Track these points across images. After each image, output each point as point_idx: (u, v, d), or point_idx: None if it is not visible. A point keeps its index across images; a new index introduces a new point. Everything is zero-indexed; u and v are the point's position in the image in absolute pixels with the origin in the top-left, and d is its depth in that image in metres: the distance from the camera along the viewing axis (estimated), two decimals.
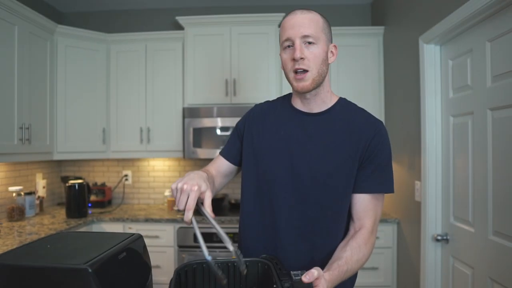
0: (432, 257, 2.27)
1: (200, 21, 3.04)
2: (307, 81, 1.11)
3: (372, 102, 3.04)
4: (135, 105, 3.15)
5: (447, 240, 2.17)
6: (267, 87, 3.00)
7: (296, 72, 1.11)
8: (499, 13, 1.68)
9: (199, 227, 0.87)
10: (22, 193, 2.75)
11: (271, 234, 1.16)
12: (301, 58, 1.09)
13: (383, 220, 2.77)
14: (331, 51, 1.17)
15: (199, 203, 0.92)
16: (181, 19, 3.04)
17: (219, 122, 2.97)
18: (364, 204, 1.14)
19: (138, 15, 3.51)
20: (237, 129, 1.33)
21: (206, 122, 2.98)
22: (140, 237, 0.94)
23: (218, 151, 2.93)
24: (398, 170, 2.77)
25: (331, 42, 1.18)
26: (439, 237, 2.18)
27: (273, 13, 3.01)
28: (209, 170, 1.24)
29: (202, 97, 3.05)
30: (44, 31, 2.77)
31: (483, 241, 1.82)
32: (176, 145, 3.12)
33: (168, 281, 2.71)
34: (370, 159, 1.13)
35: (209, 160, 3.18)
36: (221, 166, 1.30)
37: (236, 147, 1.30)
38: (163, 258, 2.80)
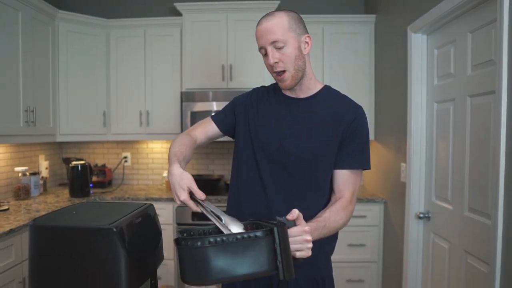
0: (414, 233, 2.44)
1: (197, 8, 3.13)
2: (287, 80, 1.26)
3: (362, 88, 3.17)
4: (135, 89, 3.25)
5: (428, 218, 2.34)
6: (262, 72, 3.10)
7: (276, 73, 1.26)
8: (480, 6, 1.81)
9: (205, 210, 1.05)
10: (28, 173, 2.87)
11: (262, 201, 1.31)
12: (276, 63, 1.23)
13: (371, 200, 2.94)
14: (305, 42, 1.27)
15: (194, 197, 1.10)
16: (179, 6, 3.13)
17: (215, 106, 3.09)
18: (344, 179, 1.30)
19: (137, 1, 3.58)
20: (234, 104, 1.47)
21: (203, 106, 3.10)
22: (151, 205, 1.08)
23: None
24: (385, 153, 2.93)
25: (305, 33, 1.28)
26: (421, 215, 2.35)
27: (268, 0, 3.10)
28: (195, 133, 1.41)
29: (200, 82, 3.16)
30: (46, 17, 2.84)
31: (459, 217, 1.99)
32: (174, 128, 3.24)
33: (168, 257, 2.85)
34: (350, 139, 1.28)
35: None
36: (210, 130, 1.45)
37: (229, 118, 1.44)
38: (164, 236, 2.94)
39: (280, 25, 1.22)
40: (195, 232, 1.04)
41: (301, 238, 0.97)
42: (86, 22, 3.12)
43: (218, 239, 0.87)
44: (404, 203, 2.52)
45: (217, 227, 1.04)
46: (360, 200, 2.93)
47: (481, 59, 1.81)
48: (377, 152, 3.10)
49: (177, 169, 1.13)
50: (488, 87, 1.72)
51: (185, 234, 0.99)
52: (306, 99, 1.34)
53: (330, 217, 1.19)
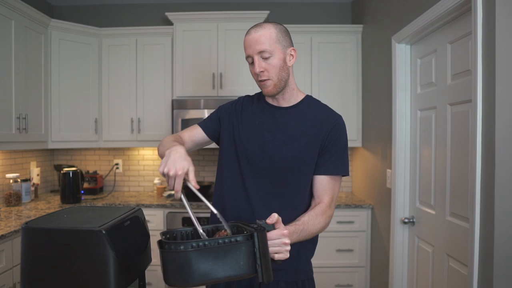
0: (400, 238, 2.50)
1: (188, 17, 3.19)
2: (269, 87, 1.33)
3: (350, 96, 3.24)
4: (126, 97, 3.30)
5: (413, 223, 2.40)
6: (251, 81, 3.16)
7: (260, 81, 1.33)
8: (458, 18, 1.89)
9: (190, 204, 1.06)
10: (19, 180, 2.89)
11: (245, 206, 1.36)
12: (261, 71, 1.30)
13: (359, 206, 3.00)
14: (291, 54, 1.35)
15: (185, 179, 1.09)
16: (170, 15, 3.19)
17: (206, 113, 3.14)
18: (323, 184, 1.36)
19: (129, 10, 3.64)
20: (219, 111, 1.53)
21: (194, 114, 3.15)
22: (140, 209, 1.12)
23: None
24: (372, 159, 3.00)
25: (291, 46, 1.36)
26: (406, 220, 2.41)
27: (258, 11, 3.17)
28: (182, 137, 1.45)
29: (190, 90, 3.21)
30: (39, 25, 2.89)
31: (441, 222, 2.05)
32: (165, 135, 3.28)
33: (157, 263, 2.87)
34: (329, 146, 1.35)
35: (197, 150, 3.37)
36: (196, 135, 1.50)
37: (215, 125, 1.50)
38: (153, 241, 2.97)
39: (268, 36, 1.29)
40: (177, 234, 1.08)
41: (279, 241, 1.02)
42: (78, 31, 3.17)
43: (201, 243, 0.91)
44: (390, 208, 2.58)
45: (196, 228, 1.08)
46: (348, 206, 2.99)
47: (459, 69, 1.89)
48: (364, 159, 3.17)
49: (182, 149, 1.12)
50: (466, 96, 1.79)
51: (168, 236, 1.04)
52: (289, 108, 1.40)
53: (308, 221, 1.24)
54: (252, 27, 1.34)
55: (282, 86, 1.35)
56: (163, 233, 1.03)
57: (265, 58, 1.29)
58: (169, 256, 0.90)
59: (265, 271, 0.94)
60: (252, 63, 1.33)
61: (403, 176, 2.48)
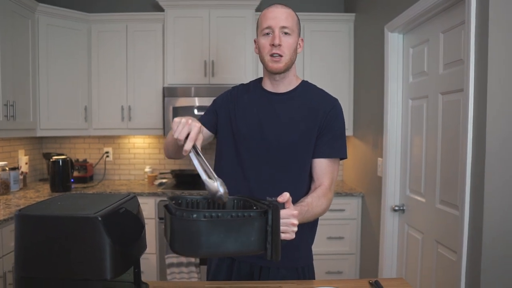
0: (390, 226, 2.53)
1: (180, 4, 3.14)
2: (281, 63, 1.33)
3: (342, 85, 3.25)
4: (117, 84, 3.25)
5: (403, 210, 2.44)
6: (243, 68, 3.15)
7: (272, 55, 1.32)
8: (451, 8, 1.89)
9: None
10: (7, 168, 2.84)
11: (246, 193, 1.35)
12: (279, 45, 1.30)
13: (349, 194, 3.03)
14: (299, 44, 1.39)
15: (196, 145, 1.03)
16: (161, 1, 3.14)
17: (197, 101, 3.12)
18: (322, 167, 1.37)
19: None
20: (214, 104, 1.52)
21: (185, 102, 3.13)
22: (135, 197, 1.11)
23: None
24: (363, 148, 3.02)
25: (300, 36, 1.40)
26: (396, 208, 2.45)
27: None
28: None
29: (182, 78, 3.18)
30: (26, 9, 2.81)
31: (431, 209, 2.09)
32: (156, 123, 3.26)
33: (150, 251, 2.87)
34: (327, 129, 1.37)
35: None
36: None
37: (213, 118, 1.49)
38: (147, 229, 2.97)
39: (292, 16, 1.34)
40: (183, 201, 1.07)
41: (288, 221, 1.02)
42: (66, 16, 3.10)
43: (214, 214, 0.89)
44: (381, 196, 2.61)
45: (204, 198, 1.06)
46: (339, 194, 3.01)
47: (451, 58, 1.90)
48: (355, 147, 3.19)
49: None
50: (458, 85, 1.81)
51: (178, 202, 1.02)
52: (286, 93, 1.41)
53: (312, 202, 1.25)
54: (275, 4, 1.35)
55: (289, 67, 1.36)
56: (171, 198, 1.01)
57: (286, 34, 1.31)
58: (180, 223, 0.88)
59: (274, 250, 0.94)
60: (267, 35, 1.33)
61: (394, 165, 2.51)
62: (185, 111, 3.12)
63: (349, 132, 3.23)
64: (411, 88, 2.37)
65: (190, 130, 1.02)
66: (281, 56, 1.31)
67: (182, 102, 3.13)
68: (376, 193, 2.73)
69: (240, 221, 0.91)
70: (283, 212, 1.01)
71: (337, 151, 1.38)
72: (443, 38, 2.00)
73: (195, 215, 0.88)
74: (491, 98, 1.52)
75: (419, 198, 2.24)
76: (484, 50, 1.54)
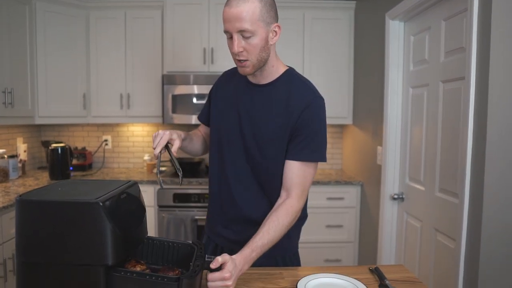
0: (389, 214, 2.55)
1: None
2: (247, 67, 1.22)
3: (342, 73, 3.22)
4: (115, 71, 3.23)
5: (402, 199, 2.44)
6: None
7: (238, 60, 1.21)
8: None
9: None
10: (6, 156, 2.83)
11: (224, 186, 1.37)
12: (240, 52, 1.18)
13: (349, 183, 3.03)
14: (274, 31, 1.21)
15: (168, 146, 1.23)
16: None
17: (196, 89, 3.11)
18: (292, 171, 1.26)
19: None
20: (210, 94, 1.50)
21: (184, 89, 3.11)
22: (136, 183, 1.11)
23: (195, 117, 3.10)
24: (363, 136, 3.02)
25: (275, 22, 1.21)
26: (395, 196, 2.45)
27: None
28: (198, 132, 1.55)
29: (181, 65, 3.16)
30: None
31: (431, 197, 2.09)
32: (155, 110, 3.24)
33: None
34: (300, 129, 1.24)
35: (187, 126, 3.36)
36: (201, 127, 1.56)
37: (207, 111, 1.48)
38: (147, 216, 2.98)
39: (250, 12, 1.13)
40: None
41: (221, 283, 1.01)
42: (64, 2, 3.06)
43: (129, 273, 0.94)
44: (380, 185, 2.62)
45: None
46: (338, 182, 3.02)
47: (453, 46, 1.88)
48: (354, 136, 3.19)
49: (173, 130, 1.27)
50: (459, 73, 1.80)
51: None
52: (266, 85, 1.31)
53: (269, 229, 1.17)
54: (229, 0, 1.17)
55: (260, 66, 1.25)
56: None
57: (246, 38, 1.16)
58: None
59: None
60: (230, 38, 1.19)
61: (394, 153, 2.51)
62: (184, 99, 3.10)
63: (348, 120, 3.22)
64: (411, 76, 2.35)
65: (161, 138, 1.22)
66: (246, 60, 1.20)
67: (181, 89, 3.11)
68: (375, 181, 2.73)
69: (154, 282, 0.92)
70: (214, 275, 1.01)
71: (310, 155, 1.25)
72: (444, 26, 1.98)
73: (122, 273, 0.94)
74: (492, 87, 1.52)
75: (418, 187, 2.25)
76: (486, 38, 1.53)
